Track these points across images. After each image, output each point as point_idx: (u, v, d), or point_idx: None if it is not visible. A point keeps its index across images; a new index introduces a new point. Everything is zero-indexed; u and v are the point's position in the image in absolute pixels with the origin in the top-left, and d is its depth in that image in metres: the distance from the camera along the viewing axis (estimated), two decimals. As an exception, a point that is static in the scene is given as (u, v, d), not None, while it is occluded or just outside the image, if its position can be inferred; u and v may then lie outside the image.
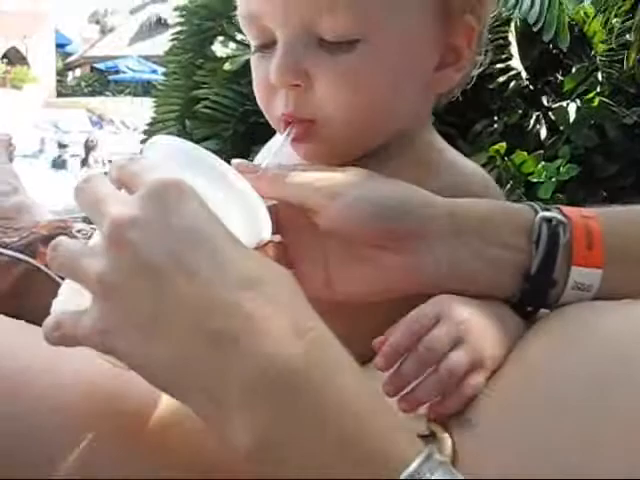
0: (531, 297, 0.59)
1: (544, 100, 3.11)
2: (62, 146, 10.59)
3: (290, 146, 0.65)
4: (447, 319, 0.56)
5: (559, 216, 0.59)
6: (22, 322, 0.68)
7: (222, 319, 0.45)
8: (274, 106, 0.65)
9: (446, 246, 0.58)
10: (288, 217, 0.61)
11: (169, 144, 0.55)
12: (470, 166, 0.71)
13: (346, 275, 0.61)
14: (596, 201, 2.83)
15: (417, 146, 0.68)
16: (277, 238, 0.61)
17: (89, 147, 10.35)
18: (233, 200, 0.53)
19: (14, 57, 24.87)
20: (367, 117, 0.63)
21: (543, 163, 2.61)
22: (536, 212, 0.60)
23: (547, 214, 0.59)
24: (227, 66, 3.41)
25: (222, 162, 0.54)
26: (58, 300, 0.52)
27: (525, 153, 2.60)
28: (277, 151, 0.62)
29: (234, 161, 0.59)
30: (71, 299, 0.50)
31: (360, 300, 0.61)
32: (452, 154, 0.71)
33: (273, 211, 0.59)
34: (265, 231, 0.56)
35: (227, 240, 0.48)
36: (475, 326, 0.57)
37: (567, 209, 0.61)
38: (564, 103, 3.00)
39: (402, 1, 0.62)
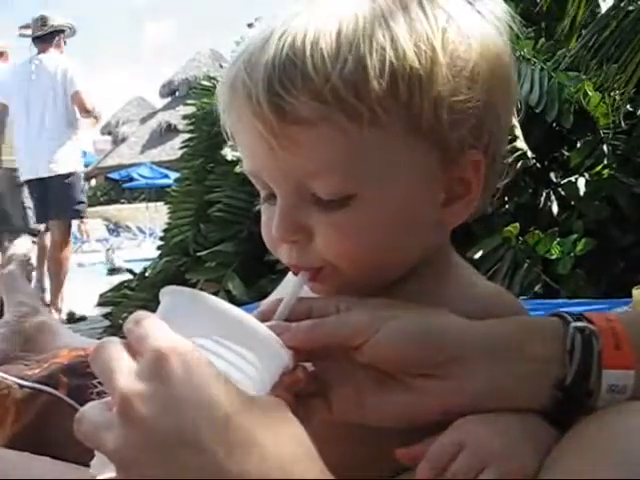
0: (567, 407, 0.59)
1: (552, 177, 3.14)
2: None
3: (307, 285, 0.66)
4: (470, 444, 0.56)
5: (589, 325, 0.60)
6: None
7: None
8: (280, 253, 0.66)
9: (483, 368, 0.59)
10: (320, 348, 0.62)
11: (174, 297, 0.57)
12: (489, 285, 0.72)
13: (382, 401, 0.61)
14: (615, 273, 2.81)
15: (438, 271, 0.68)
16: (308, 366, 0.62)
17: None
18: (245, 340, 0.55)
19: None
20: (372, 262, 0.63)
21: (558, 239, 2.60)
22: (566, 322, 0.61)
23: (579, 324, 0.60)
24: (238, 169, 3.47)
25: (226, 304, 0.56)
26: (93, 463, 0.54)
27: (539, 232, 2.60)
28: (294, 291, 0.63)
29: (269, 324, 0.60)
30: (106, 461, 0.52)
31: (394, 425, 0.61)
32: (472, 274, 0.72)
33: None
34: (286, 358, 0.57)
35: (230, 401, 0.49)
36: (500, 446, 0.56)
37: (590, 314, 0.62)
38: (573, 178, 3.02)
39: (393, 155, 0.61)
